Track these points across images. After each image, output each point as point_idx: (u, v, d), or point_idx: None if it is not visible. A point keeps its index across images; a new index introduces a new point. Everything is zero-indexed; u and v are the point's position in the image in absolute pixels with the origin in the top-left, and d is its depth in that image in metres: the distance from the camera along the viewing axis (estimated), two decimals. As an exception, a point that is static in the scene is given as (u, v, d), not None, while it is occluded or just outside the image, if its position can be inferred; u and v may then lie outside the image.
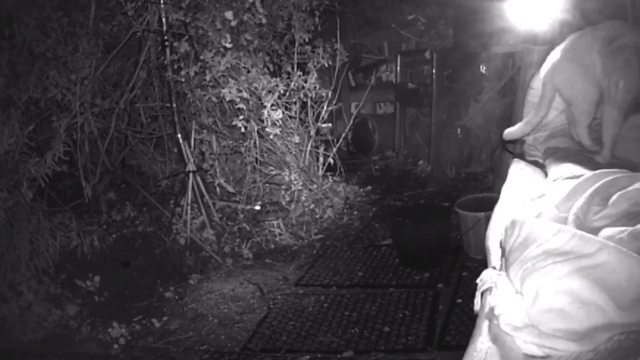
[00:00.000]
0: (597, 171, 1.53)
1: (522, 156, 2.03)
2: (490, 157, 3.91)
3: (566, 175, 1.59)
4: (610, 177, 1.43)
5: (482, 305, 1.23)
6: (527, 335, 1.06)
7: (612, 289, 1.04)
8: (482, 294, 1.26)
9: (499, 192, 3.16)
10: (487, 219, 2.83)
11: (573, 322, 1.03)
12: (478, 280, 1.28)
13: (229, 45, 3.34)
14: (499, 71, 4.05)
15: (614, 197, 1.32)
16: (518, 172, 1.91)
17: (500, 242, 1.37)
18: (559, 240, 1.15)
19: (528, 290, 1.10)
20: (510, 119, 3.18)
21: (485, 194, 3.27)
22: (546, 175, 1.76)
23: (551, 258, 1.12)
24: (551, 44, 2.64)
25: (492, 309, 1.15)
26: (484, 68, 4.19)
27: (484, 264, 2.83)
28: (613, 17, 2.43)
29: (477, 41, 3.95)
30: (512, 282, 1.17)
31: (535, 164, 1.92)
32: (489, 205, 2.92)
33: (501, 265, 1.33)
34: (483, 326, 1.16)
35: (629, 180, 1.39)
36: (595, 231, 1.23)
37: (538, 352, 1.05)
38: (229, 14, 3.29)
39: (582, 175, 1.53)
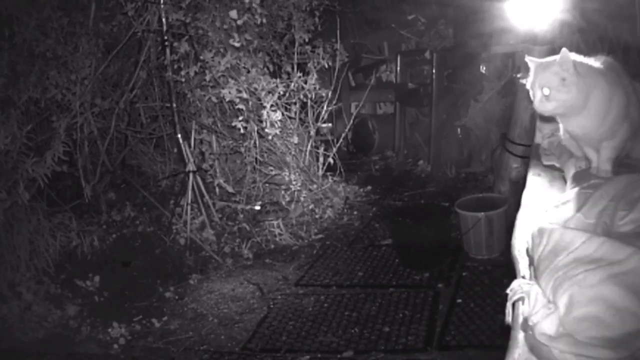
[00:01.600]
0: (619, 175, 1.52)
1: (538, 161, 2.02)
2: (490, 157, 3.91)
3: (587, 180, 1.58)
4: (633, 181, 1.43)
5: (515, 316, 1.22)
6: (563, 345, 1.05)
7: None
8: (513, 304, 1.26)
9: (499, 192, 3.19)
10: (487, 219, 2.87)
11: (608, 329, 1.03)
12: (508, 290, 1.27)
13: (237, 44, 3.34)
14: (499, 71, 4.04)
15: (639, 201, 1.32)
16: (536, 179, 1.89)
17: (527, 251, 1.36)
18: (589, 248, 1.15)
19: (561, 299, 1.10)
20: (510, 119, 3.18)
21: (485, 194, 3.27)
22: (565, 180, 1.75)
23: (582, 266, 1.12)
24: (551, 44, 2.64)
25: (526, 320, 1.14)
26: (484, 68, 4.19)
27: (484, 264, 2.85)
28: (613, 17, 2.44)
29: (477, 41, 3.95)
30: (543, 291, 1.16)
31: (552, 168, 1.91)
32: (489, 205, 2.94)
33: (530, 274, 1.32)
34: (519, 337, 1.16)
35: None
36: (623, 236, 1.23)
37: None
38: (233, 13, 3.29)
39: (604, 180, 1.52)
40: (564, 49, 1.42)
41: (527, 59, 1.51)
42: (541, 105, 1.46)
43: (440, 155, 4.33)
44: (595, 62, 1.53)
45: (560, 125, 1.70)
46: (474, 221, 2.88)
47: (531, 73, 1.49)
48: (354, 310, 2.61)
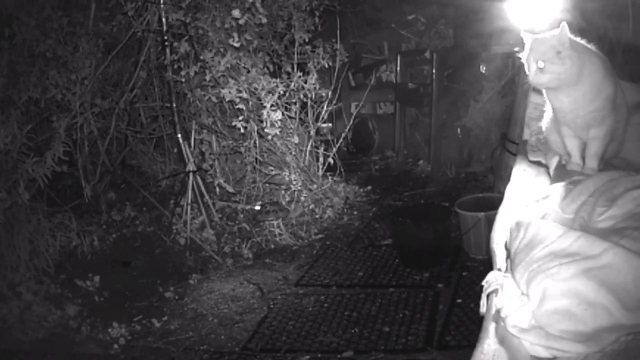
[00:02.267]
0: (601, 172, 1.53)
1: (524, 157, 2.03)
2: (490, 157, 3.91)
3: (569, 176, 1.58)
4: (615, 178, 1.43)
5: (489, 308, 1.23)
6: (534, 337, 1.06)
7: (618, 290, 1.04)
8: (487, 296, 1.26)
9: (499, 192, 3.19)
10: (487, 219, 2.87)
11: (580, 323, 1.03)
12: (484, 282, 1.28)
13: (236, 45, 3.34)
14: (499, 71, 4.05)
15: (619, 198, 1.32)
16: (521, 173, 1.90)
17: (505, 244, 1.36)
18: (565, 242, 1.15)
19: (534, 292, 1.10)
20: (510, 119, 3.18)
21: (485, 194, 3.27)
22: (550, 176, 1.76)
23: (557, 259, 1.12)
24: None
25: (498, 311, 1.14)
26: (484, 68, 4.19)
27: (484, 263, 2.85)
28: (613, 17, 2.44)
29: (477, 41, 3.95)
30: (518, 283, 1.17)
31: (538, 164, 1.92)
32: (489, 205, 2.94)
33: (507, 267, 1.33)
34: (490, 328, 1.16)
35: (633, 180, 1.39)
36: (600, 232, 1.23)
37: (545, 353, 1.04)
38: (236, 12, 3.29)
39: (586, 176, 1.53)
40: (563, 23, 1.45)
41: (523, 33, 1.54)
42: (536, 77, 1.49)
43: (440, 155, 4.33)
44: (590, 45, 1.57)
45: (547, 107, 1.70)
46: (474, 221, 2.88)
47: (527, 47, 1.52)
48: (354, 310, 2.61)
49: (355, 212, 3.82)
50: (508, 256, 1.31)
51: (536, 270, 1.13)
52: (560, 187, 1.50)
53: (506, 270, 1.31)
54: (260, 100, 3.50)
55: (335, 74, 4.11)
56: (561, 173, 1.66)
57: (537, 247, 1.18)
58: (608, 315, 1.03)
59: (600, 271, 1.07)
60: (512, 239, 1.27)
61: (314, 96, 3.80)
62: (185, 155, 3.41)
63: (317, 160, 3.99)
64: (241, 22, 3.33)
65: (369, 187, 4.22)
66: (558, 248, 1.15)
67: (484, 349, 1.11)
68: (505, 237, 1.37)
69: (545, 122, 1.76)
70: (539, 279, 1.11)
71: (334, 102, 4.04)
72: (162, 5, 3.26)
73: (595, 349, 1.01)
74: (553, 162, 1.76)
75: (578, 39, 1.52)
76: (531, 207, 1.46)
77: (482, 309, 1.27)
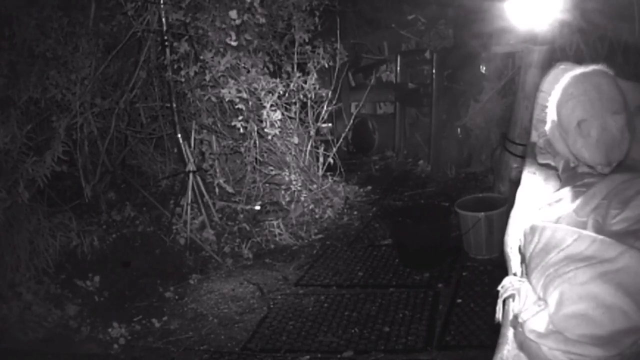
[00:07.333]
0: (613, 174, 1.53)
1: (533, 159, 2.02)
2: (490, 157, 3.91)
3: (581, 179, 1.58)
4: (626, 180, 1.43)
5: (505, 313, 1.22)
6: (552, 342, 1.05)
7: (635, 293, 1.04)
8: (504, 301, 1.25)
9: (499, 192, 3.20)
10: (487, 219, 2.87)
11: (598, 327, 1.03)
12: (499, 288, 1.27)
13: (234, 43, 3.35)
14: (499, 71, 4.05)
15: (632, 200, 1.32)
16: (531, 177, 1.90)
17: (519, 248, 1.36)
18: (580, 246, 1.15)
19: (551, 297, 1.10)
20: (510, 119, 3.19)
21: (485, 194, 3.27)
22: (560, 178, 1.75)
23: (573, 263, 1.12)
24: (551, 44, 2.64)
25: (516, 317, 1.14)
26: (484, 68, 4.19)
27: (484, 263, 2.85)
28: (613, 17, 2.44)
29: (477, 41, 3.95)
30: (534, 288, 1.16)
31: (547, 167, 1.91)
32: (489, 205, 2.94)
33: (522, 271, 1.32)
34: (508, 334, 1.16)
35: None
36: (614, 234, 1.23)
37: (564, 358, 1.04)
38: (233, 13, 3.30)
39: (597, 179, 1.52)
40: None
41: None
42: None
43: (440, 155, 4.33)
44: None
45: None
46: (474, 221, 2.88)
47: None
48: (354, 310, 2.61)
49: (355, 212, 3.82)
50: (523, 260, 1.31)
51: (552, 275, 1.13)
52: (572, 190, 1.49)
53: (521, 275, 1.30)
54: (260, 100, 3.50)
55: (335, 74, 4.11)
56: (571, 176, 1.65)
57: (552, 251, 1.18)
58: (625, 318, 1.03)
59: (617, 274, 1.07)
60: (527, 243, 1.26)
61: (313, 96, 3.80)
62: (185, 155, 3.41)
63: (317, 160, 3.99)
64: (237, 22, 3.32)
65: (369, 187, 4.22)
66: (574, 252, 1.15)
67: (504, 355, 1.12)
68: (519, 241, 1.36)
69: (549, 125, 1.76)
70: (556, 283, 1.11)
71: (334, 102, 4.04)
72: (162, 5, 3.26)
73: (614, 353, 1.01)
74: (561, 165, 1.76)
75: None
76: (544, 210, 1.45)
77: (498, 314, 1.26)
